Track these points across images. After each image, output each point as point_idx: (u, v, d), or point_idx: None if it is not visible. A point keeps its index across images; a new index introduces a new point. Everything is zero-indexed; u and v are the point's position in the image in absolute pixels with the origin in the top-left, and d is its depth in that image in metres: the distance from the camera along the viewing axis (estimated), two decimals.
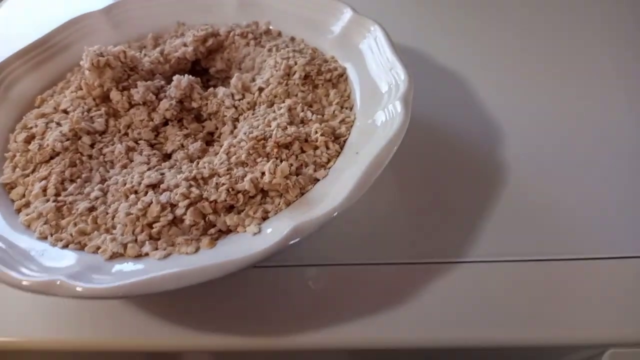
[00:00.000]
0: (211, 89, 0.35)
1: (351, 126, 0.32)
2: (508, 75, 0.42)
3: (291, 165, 0.30)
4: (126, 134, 0.34)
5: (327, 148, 0.31)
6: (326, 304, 0.29)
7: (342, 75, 0.36)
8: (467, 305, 0.29)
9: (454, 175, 0.35)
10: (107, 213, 0.29)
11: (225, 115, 0.34)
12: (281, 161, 0.29)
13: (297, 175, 0.29)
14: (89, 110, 0.34)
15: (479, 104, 0.39)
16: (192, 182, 0.29)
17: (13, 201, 0.31)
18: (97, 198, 0.30)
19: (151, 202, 0.28)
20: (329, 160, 0.30)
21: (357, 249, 0.31)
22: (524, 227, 0.32)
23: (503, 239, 0.31)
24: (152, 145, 0.34)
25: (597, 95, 0.39)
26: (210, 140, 0.35)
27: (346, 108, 0.34)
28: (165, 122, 0.35)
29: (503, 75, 0.42)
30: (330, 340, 0.28)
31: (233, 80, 0.35)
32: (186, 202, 0.28)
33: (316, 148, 0.31)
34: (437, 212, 0.33)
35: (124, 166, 0.32)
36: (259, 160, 0.30)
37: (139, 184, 0.30)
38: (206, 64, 0.39)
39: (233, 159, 0.30)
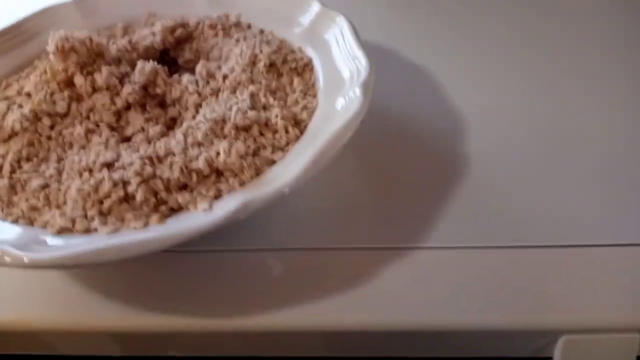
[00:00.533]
0: (176, 76, 0.35)
1: (313, 112, 0.32)
2: (477, 73, 0.42)
3: (248, 146, 0.29)
4: (88, 117, 0.34)
5: (287, 132, 0.31)
6: (284, 287, 0.29)
7: (308, 65, 0.36)
8: (422, 289, 0.28)
9: (419, 165, 0.35)
10: (60, 190, 0.29)
11: (188, 101, 0.34)
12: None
13: (254, 156, 0.29)
14: (52, 94, 0.34)
15: (447, 99, 0.39)
16: (147, 161, 0.29)
17: None
18: (51, 176, 0.30)
19: (103, 179, 0.28)
20: (287, 144, 0.30)
21: (318, 233, 0.31)
22: (482, 215, 0.32)
23: (462, 226, 0.31)
24: (113, 129, 0.33)
25: (564, 94, 0.39)
26: (172, 125, 0.34)
27: (310, 95, 0.34)
28: (128, 108, 0.35)
29: (472, 72, 0.42)
30: (284, 323, 0.28)
31: (198, 67, 0.35)
32: (138, 179, 0.28)
33: (275, 132, 0.31)
34: (399, 199, 0.33)
35: (82, 147, 0.32)
36: (215, 141, 0.30)
37: (94, 162, 0.29)
38: (175, 54, 0.39)
39: (190, 140, 0.30)
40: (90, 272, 0.30)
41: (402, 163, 0.35)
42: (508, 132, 0.37)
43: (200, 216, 0.27)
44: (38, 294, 0.30)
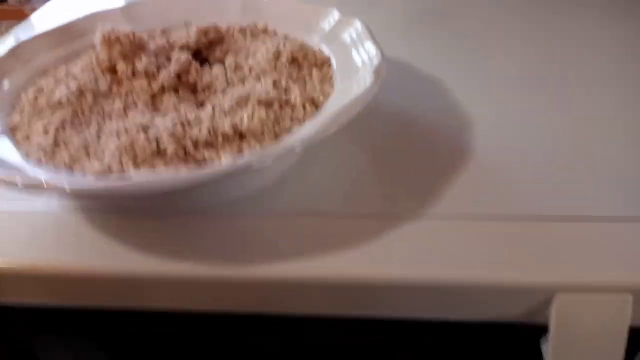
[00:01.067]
0: (207, 67, 0.39)
1: (329, 96, 0.36)
2: (485, 81, 0.46)
3: (269, 117, 0.33)
4: (127, 97, 0.37)
5: (305, 109, 0.34)
6: (296, 245, 0.31)
7: (326, 62, 0.39)
8: (423, 250, 0.31)
9: (427, 151, 0.38)
10: (99, 147, 0.32)
11: (217, 87, 0.38)
12: None
13: (274, 125, 0.32)
14: (96, 78, 0.38)
15: (457, 103, 0.43)
16: (179, 124, 0.32)
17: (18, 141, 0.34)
18: (92, 138, 0.33)
19: (139, 137, 0.31)
20: (304, 119, 0.34)
21: (335, 201, 0.34)
22: (482, 190, 0.34)
23: (462, 199, 0.34)
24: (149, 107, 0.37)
25: (568, 98, 0.43)
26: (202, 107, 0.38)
27: (327, 85, 0.37)
28: (163, 92, 0.38)
29: (481, 80, 0.46)
30: (291, 273, 0.30)
31: (227, 60, 0.39)
32: (171, 137, 0.31)
33: (294, 109, 0.34)
34: (406, 177, 0.36)
35: (121, 119, 0.35)
36: (240, 111, 0.33)
37: (131, 126, 0.33)
38: (207, 55, 0.44)
39: (218, 110, 0.33)
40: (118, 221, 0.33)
41: (412, 149, 0.38)
42: (511, 129, 0.40)
43: (221, 168, 0.29)
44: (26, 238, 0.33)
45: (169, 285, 0.31)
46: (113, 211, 0.34)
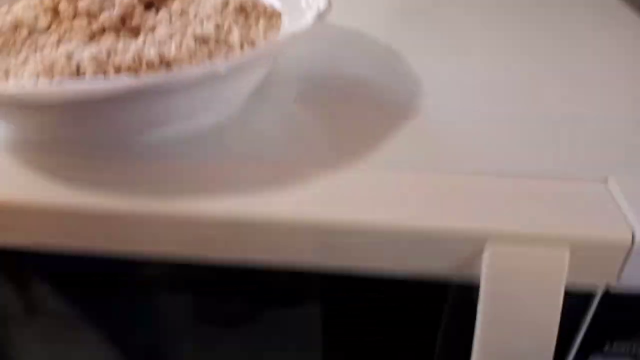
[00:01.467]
0: (152, 12, 0.38)
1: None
2: (442, 56, 0.45)
3: (201, 50, 0.31)
4: (64, 34, 0.36)
5: (242, 49, 0.33)
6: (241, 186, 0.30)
7: (276, 14, 0.38)
8: (360, 197, 0.29)
9: (374, 110, 0.37)
10: (19, 71, 0.30)
11: (159, 31, 0.36)
12: None
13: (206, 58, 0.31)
14: (36, 16, 0.37)
15: (410, 72, 0.42)
16: (104, 50, 0.31)
17: None
18: (15, 64, 0.32)
19: (60, 58, 0.30)
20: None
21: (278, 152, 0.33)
22: (425, 145, 0.33)
23: (403, 153, 0.33)
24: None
25: (511, 63, 0.43)
26: None
27: (272, 33, 0.36)
28: (103, 33, 0.37)
29: (437, 55, 0.45)
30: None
31: (173, 6, 0.38)
32: (92, 60, 0.29)
33: (231, 47, 0.33)
34: (352, 131, 0.35)
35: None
36: (171, 43, 0.32)
37: (57, 54, 0.31)
38: (158, 6, 0.42)
39: (148, 41, 0.32)
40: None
41: (361, 107, 0.37)
42: (460, 92, 0.39)
43: None
44: None
45: (100, 221, 0.30)
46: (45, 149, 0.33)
